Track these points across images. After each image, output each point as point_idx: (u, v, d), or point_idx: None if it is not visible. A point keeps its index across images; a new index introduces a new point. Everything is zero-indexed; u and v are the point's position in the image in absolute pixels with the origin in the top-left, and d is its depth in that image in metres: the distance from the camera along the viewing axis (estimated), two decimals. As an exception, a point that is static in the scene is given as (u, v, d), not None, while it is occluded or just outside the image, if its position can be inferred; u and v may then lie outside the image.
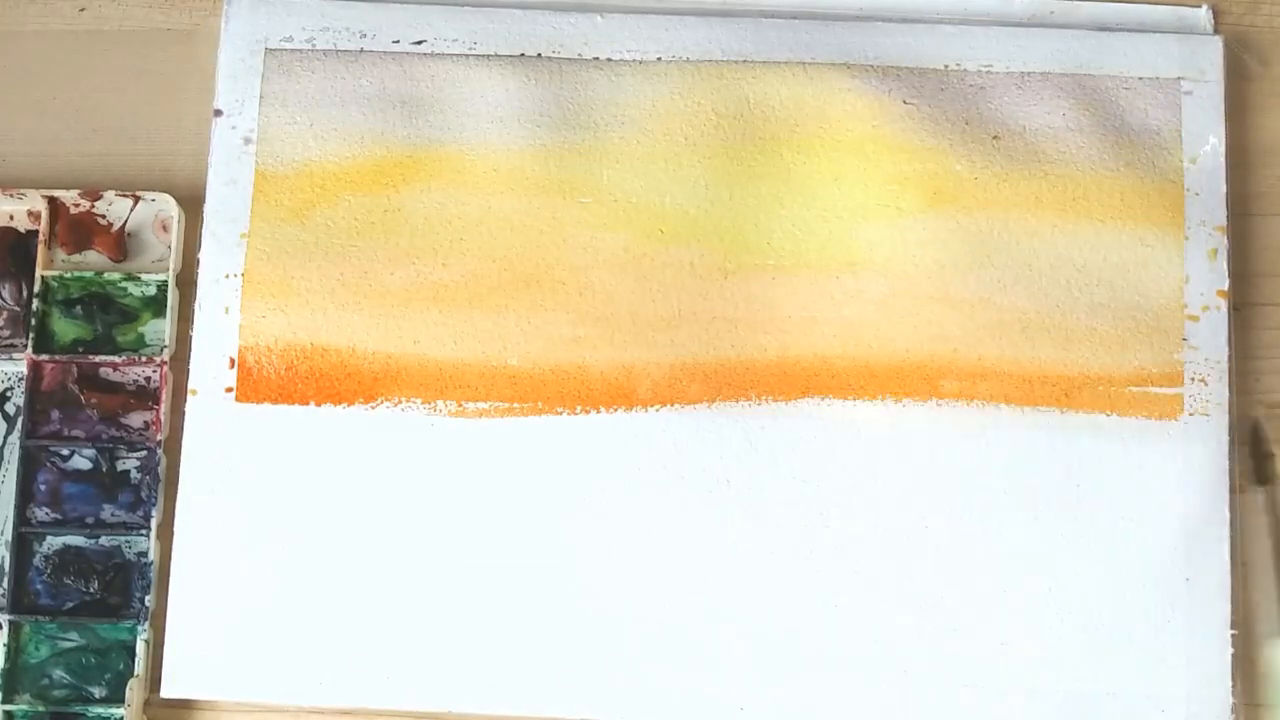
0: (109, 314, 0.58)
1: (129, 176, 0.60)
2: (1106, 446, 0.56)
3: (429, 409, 0.56)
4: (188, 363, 0.57)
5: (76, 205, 0.58)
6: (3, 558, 0.56)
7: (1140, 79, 0.60)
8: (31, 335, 0.57)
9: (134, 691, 0.54)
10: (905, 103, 0.59)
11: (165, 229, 0.59)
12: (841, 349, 0.57)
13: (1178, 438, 0.56)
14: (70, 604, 0.56)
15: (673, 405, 0.56)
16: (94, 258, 0.59)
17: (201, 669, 0.55)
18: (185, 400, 0.57)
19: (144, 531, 0.56)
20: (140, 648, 0.55)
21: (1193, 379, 0.57)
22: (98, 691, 0.55)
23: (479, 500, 0.56)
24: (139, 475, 0.57)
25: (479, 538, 0.56)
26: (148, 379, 0.58)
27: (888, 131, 0.59)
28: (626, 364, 0.57)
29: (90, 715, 0.55)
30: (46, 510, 0.56)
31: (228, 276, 0.58)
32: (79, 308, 0.58)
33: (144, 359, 0.57)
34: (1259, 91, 0.61)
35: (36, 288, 0.57)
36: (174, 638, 0.55)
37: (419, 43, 0.60)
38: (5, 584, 0.56)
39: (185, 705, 0.55)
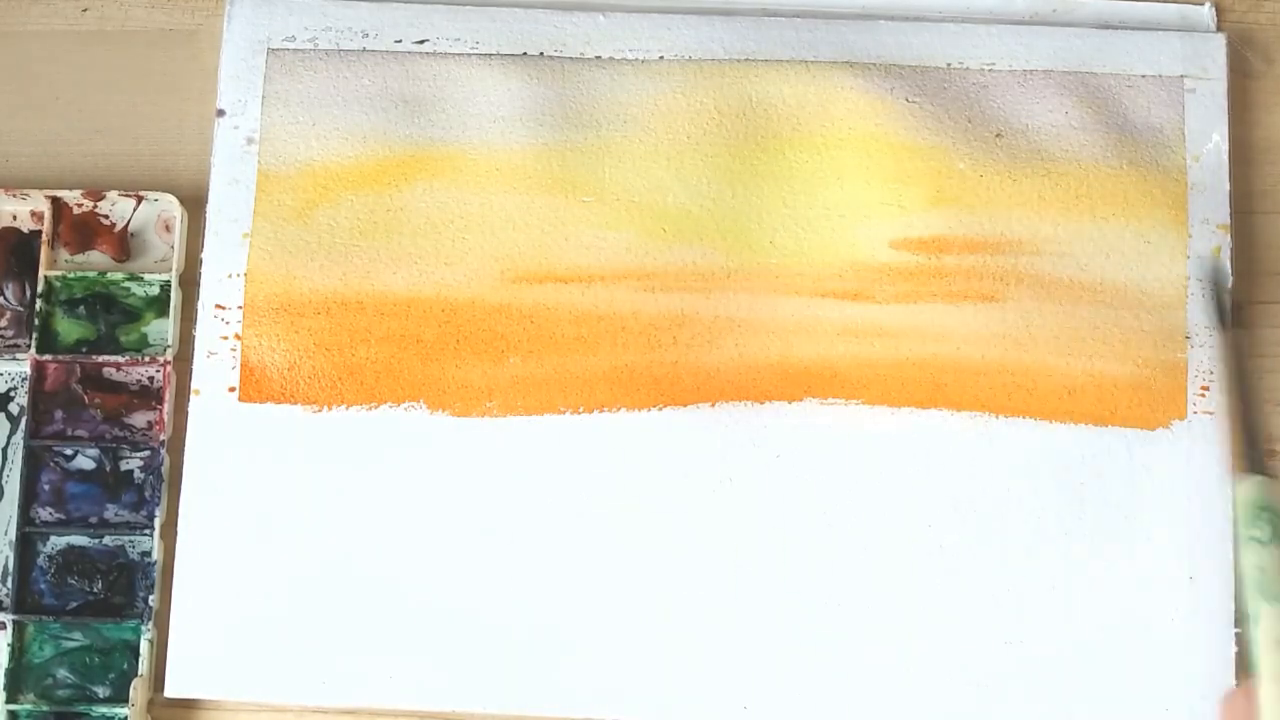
0: (112, 314, 0.58)
1: (132, 176, 0.60)
2: (1110, 445, 0.56)
3: (431, 409, 0.56)
4: (190, 362, 0.57)
5: (79, 205, 0.58)
6: (6, 558, 0.56)
7: (1143, 77, 0.60)
8: (35, 335, 0.57)
9: (138, 691, 0.54)
10: (908, 101, 0.59)
11: (168, 229, 0.59)
12: (844, 349, 0.57)
13: (1181, 436, 0.56)
14: (74, 604, 0.56)
15: (675, 405, 0.56)
16: (97, 258, 0.59)
17: (205, 668, 0.55)
18: (188, 400, 0.57)
19: (148, 531, 0.56)
20: (144, 647, 0.55)
21: (1196, 377, 0.57)
22: (102, 691, 0.55)
23: (481, 500, 0.56)
24: (142, 475, 0.57)
25: (481, 537, 0.56)
26: (151, 379, 0.58)
27: (890, 130, 0.59)
28: (629, 363, 0.57)
29: (94, 715, 0.55)
30: (50, 510, 0.57)
31: (230, 276, 0.58)
32: (82, 308, 0.58)
33: (147, 359, 0.57)
34: (1262, 89, 0.61)
35: (40, 288, 0.57)
36: (178, 637, 0.55)
37: (421, 42, 0.60)
38: (9, 584, 0.56)
39: (189, 705, 0.56)
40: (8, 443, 0.57)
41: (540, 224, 0.58)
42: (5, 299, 0.58)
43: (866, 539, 0.56)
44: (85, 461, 0.57)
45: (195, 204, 0.59)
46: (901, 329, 0.57)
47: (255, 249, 0.58)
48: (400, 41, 0.60)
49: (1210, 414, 0.56)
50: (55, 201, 0.58)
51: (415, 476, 0.56)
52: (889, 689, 0.55)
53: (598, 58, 0.60)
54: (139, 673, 0.54)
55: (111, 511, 0.57)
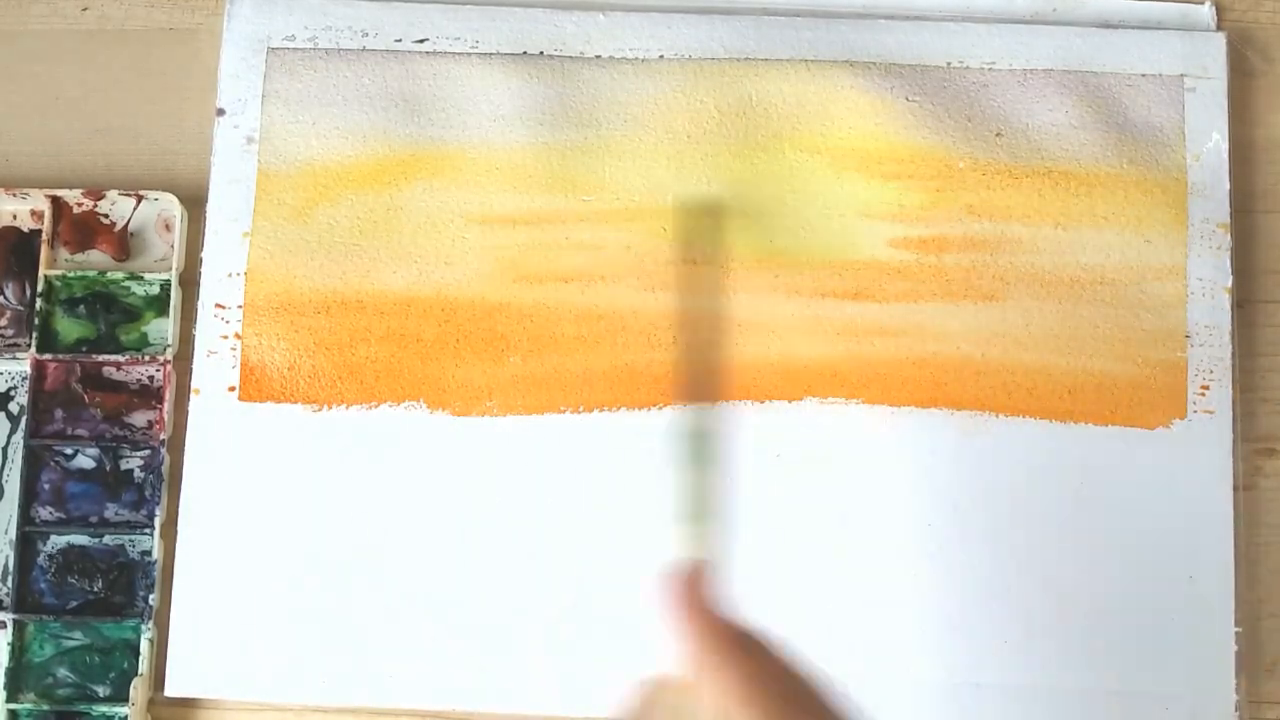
0: (112, 313, 0.58)
1: (132, 176, 0.60)
2: (1110, 444, 0.56)
3: (431, 408, 0.56)
4: (190, 362, 0.57)
5: (79, 205, 0.58)
6: (7, 557, 0.56)
7: (1143, 76, 0.60)
8: (35, 335, 0.57)
9: (138, 690, 0.54)
10: (908, 100, 0.59)
11: (168, 228, 0.59)
12: (844, 348, 0.57)
13: (1181, 435, 0.56)
14: (74, 603, 0.56)
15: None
16: (97, 257, 0.59)
17: (205, 668, 0.55)
18: (188, 399, 0.57)
19: (148, 530, 0.56)
20: (144, 646, 0.55)
21: (1196, 376, 0.57)
22: (102, 690, 0.55)
23: (481, 499, 0.56)
24: (142, 474, 0.57)
25: (481, 537, 0.56)
26: (151, 378, 0.58)
27: (890, 129, 0.59)
28: (629, 363, 0.57)
29: (94, 714, 0.55)
30: (50, 509, 0.57)
31: (230, 275, 0.58)
32: (82, 307, 0.58)
33: (147, 358, 0.57)
34: (1262, 88, 0.61)
35: (40, 287, 0.57)
36: (178, 636, 0.55)
37: (421, 41, 0.60)
38: (9, 583, 0.56)
39: (189, 704, 0.56)
40: (8, 442, 0.57)
41: (540, 223, 0.58)
42: (5, 298, 0.58)
43: (866, 538, 0.56)
44: (85, 461, 0.57)
45: (195, 203, 0.59)
46: (901, 328, 0.57)
47: (255, 248, 0.58)
48: (400, 41, 0.60)
49: (1210, 413, 0.56)
50: (55, 201, 0.58)
51: (415, 476, 0.56)
52: (888, 688, 0.55)
53: (598, 57, 0.60)
54: (139, 672, 0.54)
55: (111, 511, 0.57)
